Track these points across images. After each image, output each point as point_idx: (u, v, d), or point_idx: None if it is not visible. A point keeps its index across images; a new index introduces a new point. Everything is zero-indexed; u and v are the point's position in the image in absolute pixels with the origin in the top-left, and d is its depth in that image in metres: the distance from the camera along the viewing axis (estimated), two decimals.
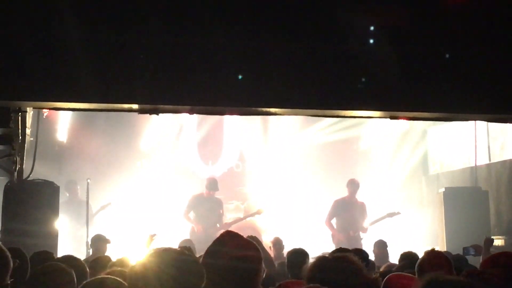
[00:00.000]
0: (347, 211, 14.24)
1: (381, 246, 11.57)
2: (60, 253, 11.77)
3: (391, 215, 15.08)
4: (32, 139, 10.49)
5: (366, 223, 14.53)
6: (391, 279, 4.71)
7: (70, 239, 13.29)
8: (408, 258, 7.94)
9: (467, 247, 10.50)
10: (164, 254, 3.19)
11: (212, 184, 14.31)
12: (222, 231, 3.82)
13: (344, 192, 14.67)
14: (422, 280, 2.51)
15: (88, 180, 13.06)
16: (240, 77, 8.84)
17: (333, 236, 14.25)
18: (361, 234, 14.38)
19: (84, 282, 3.78)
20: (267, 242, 14.83)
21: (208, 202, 14.14)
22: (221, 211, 14.38)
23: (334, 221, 14.37)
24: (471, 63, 9.27)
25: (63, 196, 13.87)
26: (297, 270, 7.86)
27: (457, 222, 12.75)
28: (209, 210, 14.04)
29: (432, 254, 5.57)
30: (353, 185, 14.41)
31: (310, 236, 15.56)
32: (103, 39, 8.63)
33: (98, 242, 10.82)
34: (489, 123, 14.67)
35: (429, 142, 18.70)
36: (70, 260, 5.54)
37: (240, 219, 15.36)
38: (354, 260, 3.78)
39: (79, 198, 14.06)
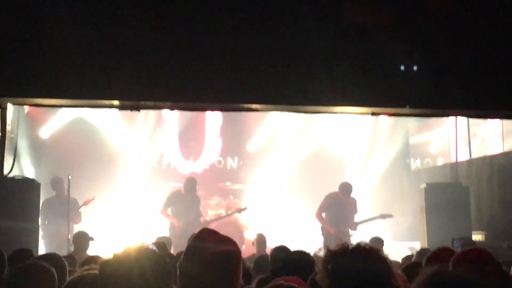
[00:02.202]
0: (339, 206, 14.21)
1: (377, 243, 11.45)
2: (47, 251, 11.74)
3: (383, 216, 15.09)
4: (12, 135, 10.42)
5: (356, 219, 14.54)
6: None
7: (56, 236, 13.11)
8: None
9: (456, 238, 10.54)
10: (134, 251, 3.17)
11: (190, 185, 14.24)
12: (201, 228, 3.82)
13: (330, 189, 14.65)
14: (425, 272, 2.50)
15: (69, 177, 12.96)
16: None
17: (322, 229, 14.23)
18: (350, 231, 14.37)
19: (68, 280, 3.76)
20: (248, 238, 14.86)
21: (186, 199, 14.08)
22: (199, 208, 14.34)
23: (324, 215, 14.34)
24: (451, 59, 9.31)
25: (49, 193, 13.82)
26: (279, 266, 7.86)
27: (438, 217, 12.76)
28: (187, 207, 13.98)
29: (440, 249, 5.58)
30: (344, 189, 14.35)
31: (292, 232, 15.58)
32: (84, 36, 8.61)
33: (80, 239, 10.78)
34: (470, 119, 14.74)
35: (410, 138, 18.77)
36: (51, 258, 5.50)
37: (222, 217, 15.32)
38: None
39: (66, 196, 13.90)
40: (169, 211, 14.14)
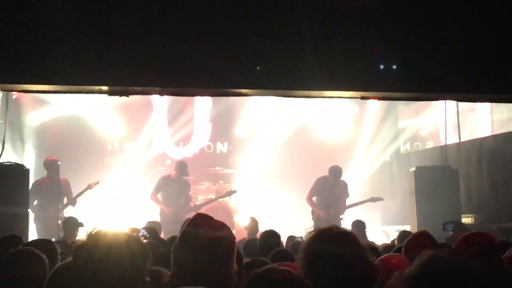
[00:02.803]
0: (329, 189, 14.26)
1: (359, 226, 11.48)
2: (38, 234, 11.67)
3: (374, 199, 15.17)
4: (1, 121, 10.39)
5: (347, 203, 14.59)
6: (382, 261, 4.71)
7: (48, 220, 12.91)
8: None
9: (447, 222, 10.56)
10: (108, 234, 3.14)
11: (182, 169, 14.25)
12: (191, 213, 3.80)
13: (320, 173, 14.68)
14: (421, 258, 2.49)
15: (59, 162, 12.94)
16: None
17: (313, 212, 14.28)
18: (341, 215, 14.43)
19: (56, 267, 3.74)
20: (238, 223, 14.89)
21: (176, 184, 14.10)
22: (189, 193, 14.35)
23: (315, 199, 14.38)
24: (440, 42, 9.31)
25: (39, 175, 13.75)
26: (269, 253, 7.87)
27: (428, 200, 12.81)
28: (177, 192, 14.00)
29: (417, 234, 5.61)
30: (334, 172, 14.39)
31: (282, 216, 15.62)
32: (73, 21, 8.56)
33: (70, 225, 10.78)
34: (459, 102, 14.76)
35: (399, 122, 18.80)
36: (42, 243, 5.49)
37: (212, 200, 15.33)
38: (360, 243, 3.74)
39: (58, 179, 13.49)
40: (159, 196, 14.15)
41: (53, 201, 12.96)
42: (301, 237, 10.18)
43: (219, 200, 15.48)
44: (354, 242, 3.65)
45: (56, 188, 13.08)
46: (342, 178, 14.57)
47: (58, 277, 3.55)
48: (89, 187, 13.91)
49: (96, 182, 14.16)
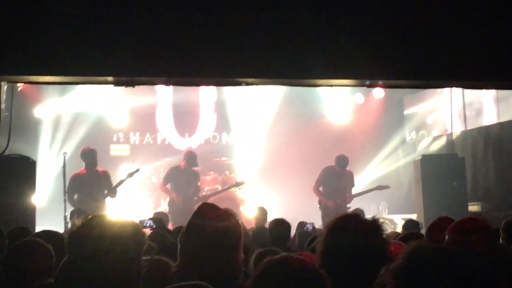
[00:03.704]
0: (336, 179, 14.26)
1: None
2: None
3: (380, 188, 15.15)
4: (6, 114, 10.37)
5: (352, 192, 14.59)
6: None
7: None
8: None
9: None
10: (102, 221, 3.09)
11: (191, 159, 14.23)
12: (200, 203, 3.80)
13: (326, 162, 14.67)
14: (407, 248, 2.47)
15: (65, 154, 12.87)
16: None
17: (320, 202, 14.27)
18: (348, 204, 14.42)
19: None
20: (244, 213, 14.90)
21: (185, 175, 14.09)
22: (198, 184, 14.34)
23: (321, 189, 14.37)
24: (446, 30, 9.27)
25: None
26: (282, 240, 7.86)
27: (434, 189, 12.78)
28: (186, 183, 13.99)
29: (440, 219, 5.59)
30: (340, 161, 14.37)
31: (289, 206, 15.61)
32: (78, 12, 8.55)
33: (75, 216, 10.77)
34: (465, 90, 14.73)
35: (405, 110, 18.78)
36: (48, 235, 5.50)
37: (220, 191, 15.30)
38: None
39: (96, 169, 13.03)
40: (168, 186, 14.15)
41: (93, 194, 12.60)
42: (312, 224, 10.19)
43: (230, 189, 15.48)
44: (376, 232, 3.59)
45: (95, 179, 12.71)
46: (348, 168, 14.57)
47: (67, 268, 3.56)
48: (130, 175, 13.39)
49: (137, 169, 13.71)
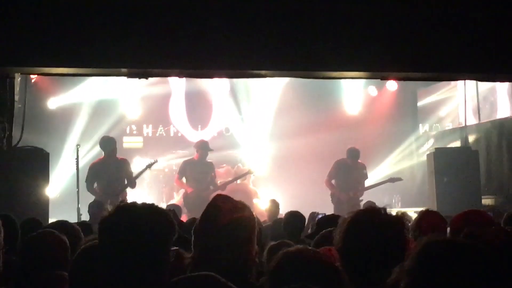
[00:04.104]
0: (348, 172, 14.25)
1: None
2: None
3: (392, 180, 15.08)
4: (20, 105, 10.40)
5: (365, 184, 14.56)
6: None
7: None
8: None
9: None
10: (132, 207, 3.08)
11: (204, 147, 14.19)
12: (215, 194, 3.79)
13: (339, 155, 14.65)
14: (419, 242, 2.44)
15: (78, 146, 12.87)
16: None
17: (332, 195, 14.26)
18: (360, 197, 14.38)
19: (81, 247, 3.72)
20: (258, 205, 14.89)
21: (200, 166, 14.06)
22: (213, 174, 14.30)
23: (334, 182, 14.36)
24: (460, 22, 9.24)
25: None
26: (296, 232, 7.84)
27: (448, 182, 12.74)
28: (201, 173, 13.98)
29: (427, 214, 5.55)
30: (352, 154, 14.36)
31: (302, 198, 15.58)
32: (92, 4, 8.56)
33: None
34: (479, 82, 14.66)
35: (418, 103, 18.72)
36: (64, 226, 5.50)
37: (231, 181, 15.21)
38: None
39: (117, 158, 12.89)
40: (183, 180, 14.14)
41: (113, 182, 12.51)
42: (324, 214, 10.17)
43: (237, 182, 15.43)
44: (400, 229, 3.52)
45: (115, 167, 12.63)
46: (361, 160, 14.55)
47: (83, 258, 3.56)
48: (149, 166, 13.28)
49: (155, 161, 13.57)
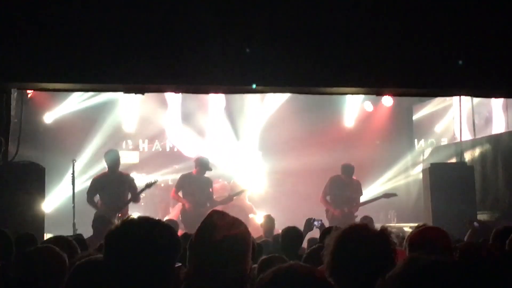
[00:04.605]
0: (342, 188, 14.29)
1: (367, 222, 11.47)
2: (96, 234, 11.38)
3: (387, 196, 15.09)
4: (16, 120, 10.41)
5: (360, 201, 14.59)
6: None
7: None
8: None
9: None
10: (140, 222, 3.09)
11: (204, 165, 14.15)
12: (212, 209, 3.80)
13: (334, 170, 14.68)
14: (403, 259, 2.49)
15: (74, 161, 12.86)
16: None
17: (327, 211, 14.28)
18: (356, 212, 14.40)
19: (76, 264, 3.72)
20: (254, 220, 14.87)
21: (198, 181, 14.02)
22: (210, 190, 14.26)
23: (328, 198, 14.39)
24: (455, 38, 9.27)
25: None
26: (294, 248, 7.84)
27: (443, 197, 12.74)
28: (199, 188, 13.93)
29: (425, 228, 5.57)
30: (346, 170, 14.40)
31: (298, 213, 15.58)
32: (87, 19, 8.58)
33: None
34: (474, 98, 14.70)
35: (414, 116, 18.76)
36: (60, 241, 5.50)
37: (227, 199, 15.13)
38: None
39: (119, 172, 12.98)
40: (180, 194, 14.08)
41: (115, 196, 12.50)
42: (319, 221, 10.20)
43: (234, 198, 15.41)
44: (384, 242, 3.61)
45: (118, 181, 12.63)
46: (356, 176, 14.58)
47: (78, 274, 3.55)
48: (148, 186, 12.98)
49: (155, 180, 13.24)
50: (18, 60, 8.47)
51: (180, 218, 13.66)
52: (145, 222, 3.06)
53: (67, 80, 8.86)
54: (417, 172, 16.46)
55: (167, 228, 3.10)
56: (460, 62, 9.18)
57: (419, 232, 5.18)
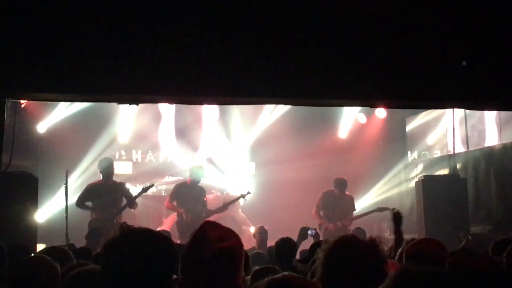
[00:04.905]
0: (335, 203, 14.30)
1: (360, 234, 11.49)
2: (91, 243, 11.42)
3: (380, 209, 15.06)
4: (9, 130, 10.39)
5: (353, 215, 14.59)
6: None
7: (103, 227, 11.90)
8: None
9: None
10: (138, 232, 3.08)
11: (198, 172, 14.12)
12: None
13: (327, 182, 14.70)
14: (396, 270, 2.50)
15: (67, 171, 12.83)
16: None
17: (320, 225, 14.26)
18: (348, 226, 14.40)
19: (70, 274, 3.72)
20: (247, 230, 14.85)
21: (192, 190, 13.97)
22: (204, 199, 14.21)
23: (322, 213, 14.40)
24: (448, 51, 9.31)
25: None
26: (288, 259, 7.84)
27: (436, 210, 12.78)
28: (193, 198, 13.87)
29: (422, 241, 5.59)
30: (339, 184, 14.41)
31: (291, 226, 15.56)
32: (82, 31, 8.59)
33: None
34: (467, 111, 14.74)
35: (407, 130, 18.77)
36: (54, 251, 5.48)
37: (224, 207, 15.04)
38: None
39: (113, 181, 13.04)
40: (175, 203, 14.01)
41: (109, 204, 12.60)
42: (313, 230, 10.20)
43: (228, 208, 15.35)
44: (374, 253, 3.63)
45: (112, 189, 12.71)
46: (349, 189, 14.60)
47: (73, 283, 3.55)
48: (144, 190, 13.22)
49: (151, 184, 13.59)
50: (12, 71, 8.47)
51: (176, 229, 13.62)
52: (144, 233, 3.05)
53: (61, 91, 8.87)
54: (410, 184, 16.44)
55: (166, 240, 3.10)
56: (453, 74, 9.22)
57: (417, 244, 5.19)
